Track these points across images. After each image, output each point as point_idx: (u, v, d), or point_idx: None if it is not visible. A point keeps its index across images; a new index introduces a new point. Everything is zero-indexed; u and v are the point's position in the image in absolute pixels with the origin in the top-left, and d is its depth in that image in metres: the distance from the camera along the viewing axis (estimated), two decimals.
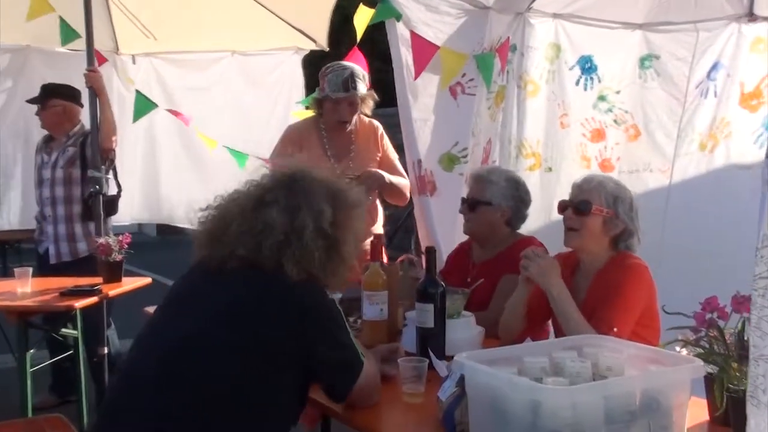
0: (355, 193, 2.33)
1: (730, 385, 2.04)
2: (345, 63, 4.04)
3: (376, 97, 4.15)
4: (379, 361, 2.44)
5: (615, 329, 2.53)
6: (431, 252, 2.78)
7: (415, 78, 3.99)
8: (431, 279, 2.73)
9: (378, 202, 4.24)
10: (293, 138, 4.11)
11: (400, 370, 2.41)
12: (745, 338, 2.04)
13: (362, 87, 3.99)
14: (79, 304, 3.87)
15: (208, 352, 2.08)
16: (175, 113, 5.63)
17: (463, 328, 2.86)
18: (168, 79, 6.04)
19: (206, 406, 2.01)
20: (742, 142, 4.58)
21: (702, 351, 2.13)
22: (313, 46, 5.92)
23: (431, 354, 2.58)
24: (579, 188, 3.02)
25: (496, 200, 3.47)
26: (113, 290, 4.16)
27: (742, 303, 2.12)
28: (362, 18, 4.02)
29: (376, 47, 5.66)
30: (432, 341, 2.67)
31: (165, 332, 2.19)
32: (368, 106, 4.15)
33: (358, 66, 4.07)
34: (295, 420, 2.25)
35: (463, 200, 3.56)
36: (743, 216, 4.42)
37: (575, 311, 2.77)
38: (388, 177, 4.02)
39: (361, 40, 4.16)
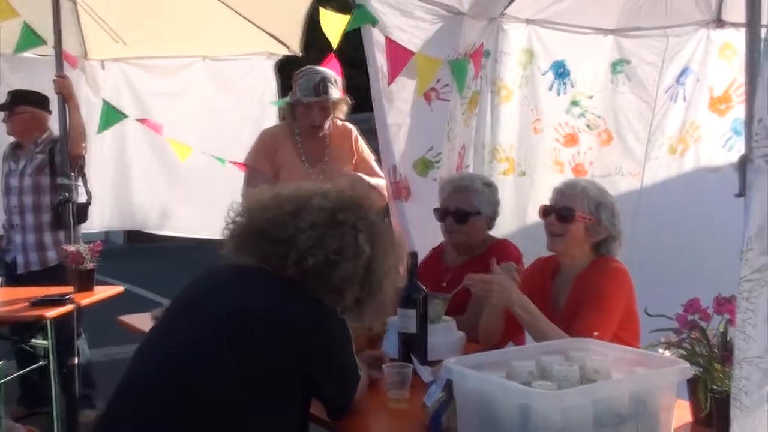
0: (391, 228, 2.33)
1: (714, 386, 2.06)
2: (317, 67, 4.03)
3: (349, 102, 4.15)
4: (366, 367, 2.42)
5: (596, 333, 2.54)
6: (413, 257, 2.77)
7: (389, 83, 3.98)
8: (413, 284, 2.73)
9: None
10: (267, 143, 4.09)
11: (384, 375, 2.40)
12: (729, 339, 2.06)
13: (334, 92, 3.99)
14: (51, 313, 3.81)
15: (207, 361, 2.02)
16: (147, 122, 5.56)
17: (444, 333, 2.86)
18: (138, 84, 5.97)
19: (203, 417, 1.98)
20: (711, 145, 4.64)
21: (685, 353, 2.15)
22: (286, 52, 5.89)
23: (414, 359, 2.57)
24: (561, 193, 3.02)
25: (483, 208, 3.49)
26: (85, 299, 4.10)
27: (723, 304, 2.14)
28: (333, 24, 4.01)
29: (346, 53, 5.64)
30: (415, 347, 2.67)
31: (169, 338, 2.12)
32: (342, 111, 4.15)
33: (331, 71, 4.06)
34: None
35: (445, 212, 3.49)
36: (713, 219, 4.49)
37: (544, 323, 2.73)
38: (366, 180, 4.02)
39: (328, 46, 4.16)
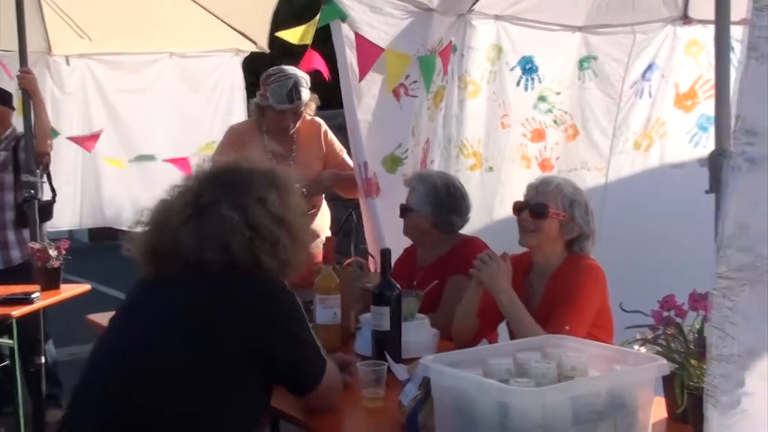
0: (286, 170, 2.29)
1: (690, 383, 2.04)
2: (287, 70, 3.93)
3: (318, 100, 4.08)
4: (336, 365, 2.37)
5: (567, 327, 2.52)
6: (386, 254, 2.73)
7: (360, 80, 3.93)
8: (387, 281, 2.68)
9: (325, 203, 4.16)
10: (233, 140, 4.01)
11: (359, 374, 2.36)
12: (705, 336, 2.04)
13: (306, 94, 3.91)
14: (17, 312, 3.70)
15: (161, 359, 2.00)
16: (78, 140, 5.35)
17: (418, 331, 2.82)
18: (103, 81, 5.85)
19: (160, 413, 1.94)
20: (677, 141, 4.64)
21: (660, 349, 2.13)
22: (254, 48, 5.81)
23: (389, 357, 2.53)
24: (536, 190, 2.98)
25: (416, 206, 3.45)
26: (51, 298, 3.99)
27: (699, 301, 2.12)
28: (292, 34, 3.93)
29: (317, 49, 5.56)
30: (389, 344, 2.63)
31: (121, 339, 2.10)
32: (311, 109, 4.08)
33: (301, 72, 3.96)
34: (256, 422, 2.18)
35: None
36: (678, 214, 4.50)
37: (526, 316, 2.74)
38: (333, 174, 3.96)
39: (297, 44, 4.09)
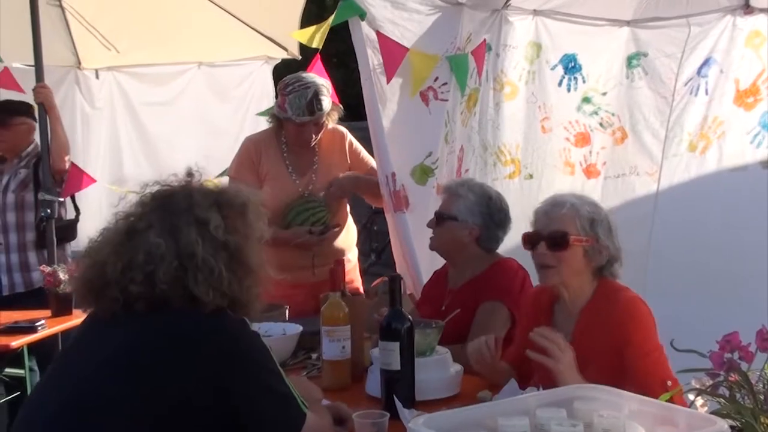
0: (243, 192, 1.92)
1: None
2: (306, 78, 3.48)
3: (342, 110, 3.64)
4: (331, 419, 1.96)
5: (669, 383, 2.06)
6: (395, 281, 2.30)
7: (388, 82, 3.51)
8: (396, 312, 2.26)
9: (351, 220, 3.73)
10: (250, 151, 3.60)
11: (355, 427, 1.95)
12: None
13: (327, 103, 3.46)
14: (17, 343, 3.39)
15: (106, 401, 1.66)
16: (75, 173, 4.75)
17: (437, 368, 2.39)
18: (131, 94, 5.57)
19: None
20: (736, 142, 4.14)
21: (721, 402, 1.67)
22: (285, 55, 5.46)
23: (397, 402, 2.12)
24: (547, 216, 2.45)
25: (462, 215, 2.99)
26: (61, 324, 3.67)
27: None
28: (304, 34, 3.59)
29: (347, 56, 5.19)
30: (398, 386, 2.21)
31: (50, 396, 1.76)
32: (333, 119, 3.64)
33: (320, 78, 3.56)
34: None
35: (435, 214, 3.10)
36: (738, 222, 4.01)
37: None
38: (353, 176, 3.55)
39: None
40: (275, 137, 3.60)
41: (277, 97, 3.62)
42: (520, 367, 2.53)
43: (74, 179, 4.43)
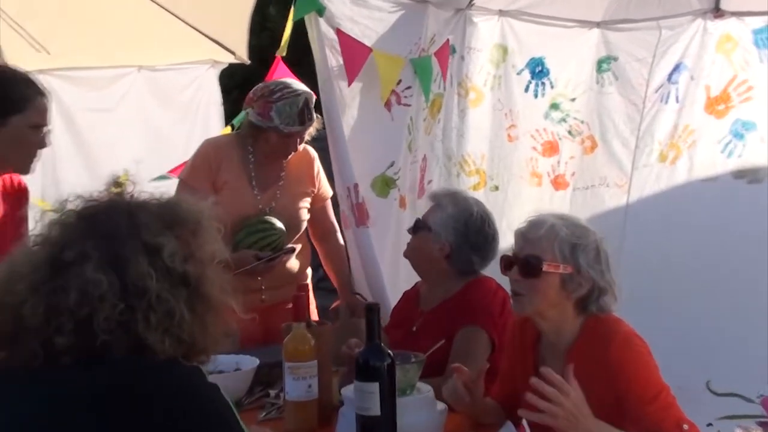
0: (195, 206, 1.47)
1: None
2: (294, 84, 3.06)
3: (321, 120, 3.25)
4: None
5: (685, 427, 1.78)
6: (372, 310, 1.94)
7: (349, 84, 3.16)
8: (374, 348, 1.91)
9: (306, 239, 3.33)
10: (209, 156, 3.16)
11: None
12: None
13: (313, 114, 3.10)
14: None
15: None
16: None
17: (420, 409, 2.05)
18: (66, 99, 5.03)
19: None
20: (707, 151, 3.89)
21: None
22: (233, 59, 5.04)
23: None
24: (523, 237, 2.12)
25: (436, 227, 2.66)
26: None
27: None
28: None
29: (303, 62, 4.82)
30: None
31: None
32: (310, 133, 3.26)
33: (307, 88, 3.17)
34: None
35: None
36: (711, 235, 3.77)
37: None
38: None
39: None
40: (241, 145, 3.18)
41: (251, 104, 3.18)
42: (506, 405, 2.22)
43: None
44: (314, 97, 3.11)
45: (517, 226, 2.19)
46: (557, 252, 2.05)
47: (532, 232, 2.10)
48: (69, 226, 1.37)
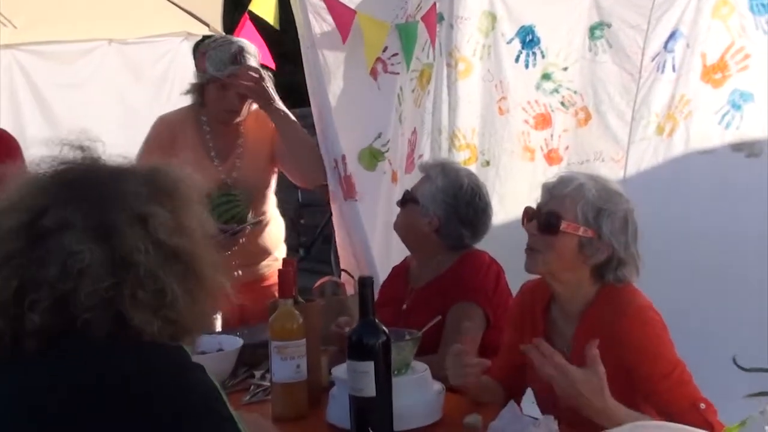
0: (176, 170, 1.34)
1: None
2: (229, 36, 3.06)
3: (272, 78, 3.15)
4: None
5: (702, 405, 1.74)
6: (366, 284, 1.84)
7: (344, 41, 3.05)
8: (367, 324, 1.80)
9: (275, 211, 3.23)
10: (162, 133, 3.08)
11: None
12: None
13: (253, 63, 3.01)
14: None
15: None
16: None
17: (417, 389, 1.96)
18: (35, 74, 4.90)
19: None
20: (704, 122, 3.78)
21: None
22: (207, 31, 4.90)
23: None
24: (549, 192, 2.08)
25: (424, 200, 2.58)
26: None
27: None
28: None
29: (286, 47, 4.67)
30: (374, 417, 1.75)
31: None
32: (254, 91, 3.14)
33: (249, 42, 3.10)
34: None
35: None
36: (710, 210, 3.68)
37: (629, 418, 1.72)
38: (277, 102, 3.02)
39: (266, 40, 3.28)
40: (194, 116, 3.10)
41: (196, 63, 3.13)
42: (506, 382, 2.13)
43: None
44: (255, 52, 3.04)
45: (546, 180, 2.14)
46: (579, 213, 2.00)
47: (558, 189, 2.05)
48: (43, 190, 1.23)
